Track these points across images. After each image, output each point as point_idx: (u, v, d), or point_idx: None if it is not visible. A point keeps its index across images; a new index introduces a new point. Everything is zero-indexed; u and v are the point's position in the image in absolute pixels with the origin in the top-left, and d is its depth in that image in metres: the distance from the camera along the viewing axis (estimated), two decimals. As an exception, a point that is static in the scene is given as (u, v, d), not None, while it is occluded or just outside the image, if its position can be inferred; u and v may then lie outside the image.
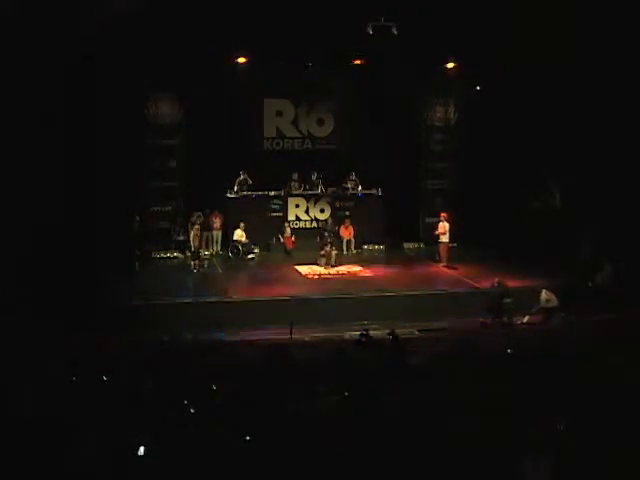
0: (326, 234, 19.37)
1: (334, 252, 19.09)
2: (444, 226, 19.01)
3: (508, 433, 6.89)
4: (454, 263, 18.96)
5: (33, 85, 14.18)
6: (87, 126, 15.51)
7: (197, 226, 18.86)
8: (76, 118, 15.22)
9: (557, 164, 17.88)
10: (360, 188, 21.32)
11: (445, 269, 18.84)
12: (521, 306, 15.44)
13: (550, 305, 15.32)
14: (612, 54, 15.62)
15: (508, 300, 15.33)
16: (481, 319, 15.32)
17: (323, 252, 18.85)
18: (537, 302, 15.39)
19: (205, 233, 19.99)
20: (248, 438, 6.80)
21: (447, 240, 19.04)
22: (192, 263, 18.49)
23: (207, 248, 20.40)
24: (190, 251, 18.88)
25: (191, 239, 18.62)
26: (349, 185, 21.35)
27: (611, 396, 7.92)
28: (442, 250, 19.08)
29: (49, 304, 13.52)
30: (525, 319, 15.42)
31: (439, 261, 19.18)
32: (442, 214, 19.30)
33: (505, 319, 15.28)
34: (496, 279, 15.86)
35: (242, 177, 20.64)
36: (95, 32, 14.24)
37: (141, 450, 6.41)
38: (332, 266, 18.75)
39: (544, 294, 15.39)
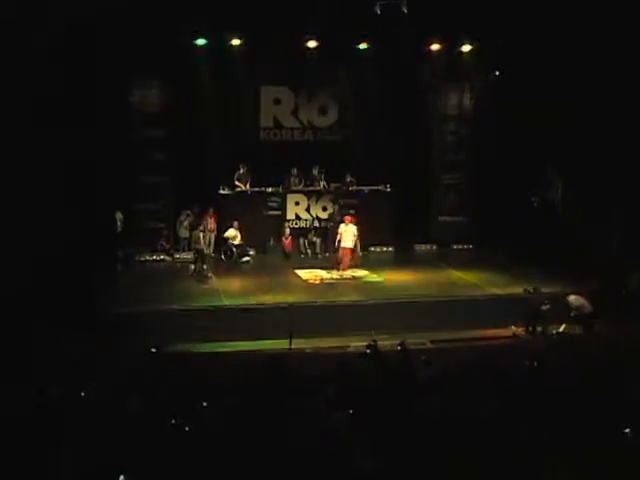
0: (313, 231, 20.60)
1: (318, 240, 20.47)
2: (349, 230, 18.51)
3: (523, 450, 7.04)
4: (465, 267, 19.13)
5: (12, 75, 14.29)
6: (66, 115, 15.51)
7: (199, 226, 18.78)
8: (54, 105, 15.23)
9: (576, 157, 17.83)
10: (356, 187, 21.20)
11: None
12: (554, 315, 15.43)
13: (586, 311, 15.25)
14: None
15: (546, 307, 15.32)
16: (513, 329, 15.43)
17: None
18: (567, 308, 15.32)
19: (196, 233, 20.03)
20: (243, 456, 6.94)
21: (351, 245, 18.52)
22: (204, 267, 18.02)
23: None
24: (198, 253, 18.35)
25: (201, 242, 18.25)
26: (348, 180, 21.27)
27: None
28: (343, 255, 18.58)
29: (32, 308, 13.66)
30: (561, 328, 15.43)
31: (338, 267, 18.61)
32: (347, 217, 19.02)
33: (540, 329, 15.33)
34: (531, 286, 15.73)
35: (242, 171, 20.63)
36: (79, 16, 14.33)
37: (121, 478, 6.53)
38: (316, 253, 20.27)
39: (574, 299, 15.32)
